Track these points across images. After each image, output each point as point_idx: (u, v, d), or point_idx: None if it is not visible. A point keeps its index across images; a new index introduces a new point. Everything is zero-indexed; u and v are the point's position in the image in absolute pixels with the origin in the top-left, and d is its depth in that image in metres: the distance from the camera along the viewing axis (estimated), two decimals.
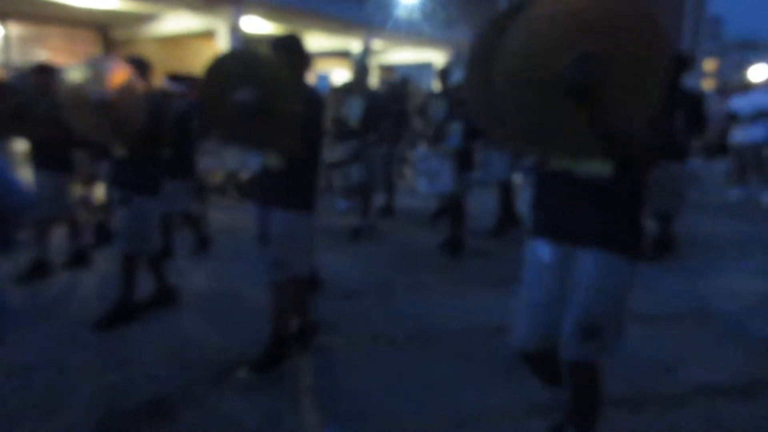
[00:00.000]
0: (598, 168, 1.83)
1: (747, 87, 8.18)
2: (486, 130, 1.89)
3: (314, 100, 2.89)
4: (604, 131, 1.67)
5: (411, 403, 2.78)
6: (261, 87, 2.60)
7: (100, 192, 6.15)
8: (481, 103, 1.82)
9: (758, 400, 2.80)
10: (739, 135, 7.84)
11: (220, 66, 2.74)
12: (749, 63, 24.34)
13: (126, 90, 3.37)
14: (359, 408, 2.73)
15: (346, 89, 6.07)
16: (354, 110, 5.66)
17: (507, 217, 6.10)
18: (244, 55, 2.84)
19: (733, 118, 7.85)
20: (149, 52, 10.51)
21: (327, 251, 5.20)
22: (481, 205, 6.77)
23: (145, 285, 3.87)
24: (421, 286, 4.48)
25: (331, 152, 5.79)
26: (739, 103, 7.87)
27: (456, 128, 5.09)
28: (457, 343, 3.44)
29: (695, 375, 3.04)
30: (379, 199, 6.81)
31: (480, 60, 1.78)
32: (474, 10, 22.28)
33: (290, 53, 2.92)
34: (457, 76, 5.76)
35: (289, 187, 2.89)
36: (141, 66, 3.68)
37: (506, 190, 5.98)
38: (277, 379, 2.99)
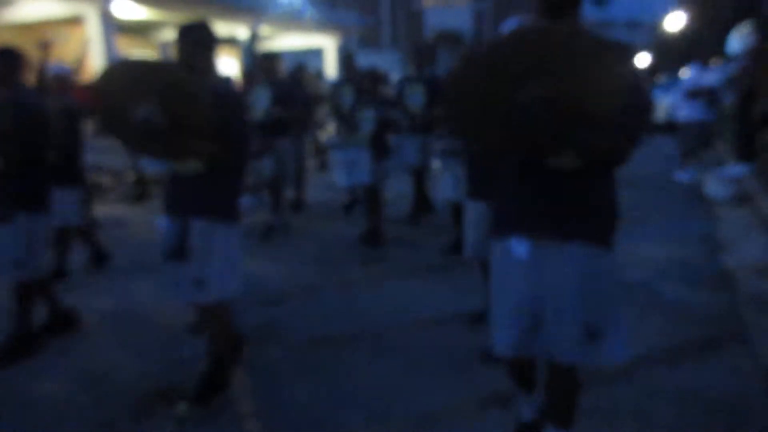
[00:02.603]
0: (570, 159, 1.74)
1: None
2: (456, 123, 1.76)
3: (228, 95, 2.58)
4: (574, 147, 1.61)
5: (364, 410, 2.63)
6: (162, 98, 2.29)
7: None
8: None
9: (688, 364, 2.96)
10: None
11: (111, 80, 2.41)
12: (635, 42, 26.29)
13: None
14: (311, 423, 2.54)
15: (248, 78, 5.70)
16: (261, 100, 5.32)
17: (421, 203, 6.09)
18: (136, 65, 2.48)
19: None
20: (3, 41, 9.30)
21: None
22: (392, 190, 6.70)
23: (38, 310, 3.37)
24: (348, 282, 4.32)
25: None
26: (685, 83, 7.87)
27: (367, 115, 4.94)
28: (399, 339, 3.33)
29: (631, 347, 3.16)
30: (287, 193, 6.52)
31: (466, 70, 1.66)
32: None
33: (200, 43, 2.59)
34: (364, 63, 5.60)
35: (211, 193, 2.52)
36: (10, 58, 3.12)
37: (419, 176, 5.95)
38: (214, 404, 2.71)
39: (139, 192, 7.50)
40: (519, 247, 1.82)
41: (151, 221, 6.30)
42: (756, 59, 7.01)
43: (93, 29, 9.86)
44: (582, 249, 1.76)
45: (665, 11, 26.35)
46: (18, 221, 3.01)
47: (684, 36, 24.87)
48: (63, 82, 4.43)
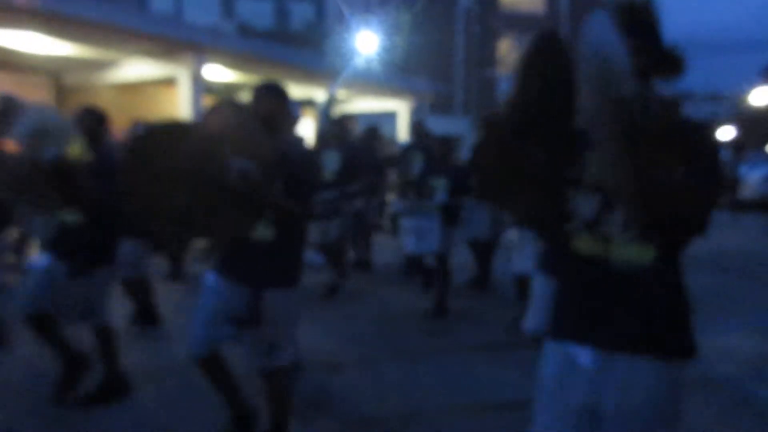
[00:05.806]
0: (638, 254, 1.53)
1: None
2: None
3: (300, 155, 2.59)
4: None
5: None
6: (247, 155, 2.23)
7: None
8: None
9: None
10: None
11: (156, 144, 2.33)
12: (717, 115, 25.55)
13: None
14: None
15: (323, 140, 5.86)
16: (330, 163, 5.43)
17: (484, 276, 5.92)
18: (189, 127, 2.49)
19: None
20: (105, 100, 10.09)
21: (302, 314, 4.82)
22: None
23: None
24: (408, 354, 4.17)
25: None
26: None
27: (441, 184, 4.91)
28: (458, 425, 3.12)
29: None
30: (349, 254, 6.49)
31: None
32: (431, 61, 22.83)
33: (279, 101, 2.56)
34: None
35: (282, 262, 2.54)
36: (95, 117, 3.27)
37: (487, 249, 5.80)
38: None
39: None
40: (579, 352, 1.60)
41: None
42: None
43: (184, 90, 10.56)
44: (653, 364, 1.55)
45: (749, 85, 25.49)
46: (92, 276, 3.08)
47: None
48: None
